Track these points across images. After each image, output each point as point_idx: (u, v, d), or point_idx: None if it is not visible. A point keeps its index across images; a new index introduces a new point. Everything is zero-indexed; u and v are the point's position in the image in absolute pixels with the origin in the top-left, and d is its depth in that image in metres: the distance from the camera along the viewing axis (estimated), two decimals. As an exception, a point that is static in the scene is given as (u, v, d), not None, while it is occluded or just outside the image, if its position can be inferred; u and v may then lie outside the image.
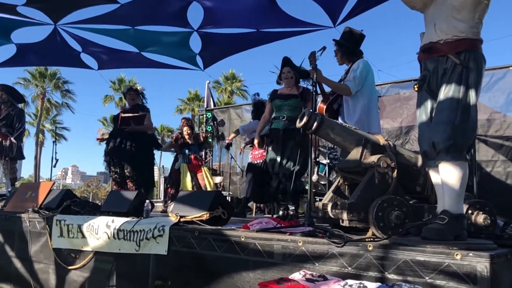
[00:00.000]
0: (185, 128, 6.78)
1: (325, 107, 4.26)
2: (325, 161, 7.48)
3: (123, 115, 5.80)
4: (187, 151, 6.66)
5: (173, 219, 3.50)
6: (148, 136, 6.10)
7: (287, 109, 4.67)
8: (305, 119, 3.01)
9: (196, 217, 3.44)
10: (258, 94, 6.68)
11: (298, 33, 7.29)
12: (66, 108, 34.82)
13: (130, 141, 5.74)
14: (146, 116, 5.94)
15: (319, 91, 4.20)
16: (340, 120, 4.15)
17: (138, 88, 6.33)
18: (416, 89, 2.72)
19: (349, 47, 4.21)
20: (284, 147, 4.57)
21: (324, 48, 3.87)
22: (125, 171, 5.77)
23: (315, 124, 2.99)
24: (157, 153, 7.97)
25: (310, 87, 4.22)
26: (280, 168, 4.57)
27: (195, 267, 3.22)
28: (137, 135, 5.83)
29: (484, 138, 6.49)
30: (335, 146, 6.82)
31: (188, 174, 6.44)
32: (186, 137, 6.73)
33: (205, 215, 3.42)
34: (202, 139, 7.04)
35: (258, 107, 6.40)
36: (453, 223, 2.33)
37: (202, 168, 6.74)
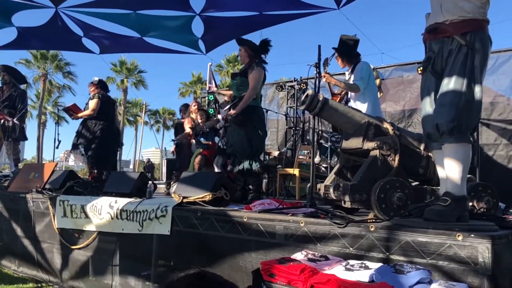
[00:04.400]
0: (199, 113, 6.45)
1: None
2: (327, 144, 7.46)
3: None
4: (203, 139, 6.18)
5: (176, 199, 3.52)
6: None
7: (234, 89, 4.82)
8: (308, 101, 2.99)
9: (198, 198, 3.47)
10: None
11: (301, 16, 7.18)
12: (68, 90, 34.74)
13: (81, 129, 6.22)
14: (94, 102, 6.13)
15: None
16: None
17: (95, 79, 6.50)
18: (420, 71, 2.69)
19: (347, 52, 4.69)
20: (233, 129, 4.61)
21: (334, 53, 4.67)
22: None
23: (318, 105, 2.98)
24: (159, 136, 7.84)
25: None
26: (235, 149, 4.58)
27: (197, 247, 3.25)
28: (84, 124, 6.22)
29: (487, 122, 6.46)
30: (337, 129, 6.83)
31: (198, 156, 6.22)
32: (201, 121, 6.38)
33: (207, 196, 3.45)
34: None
35: None
36: (455, 205, 2.34)
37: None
